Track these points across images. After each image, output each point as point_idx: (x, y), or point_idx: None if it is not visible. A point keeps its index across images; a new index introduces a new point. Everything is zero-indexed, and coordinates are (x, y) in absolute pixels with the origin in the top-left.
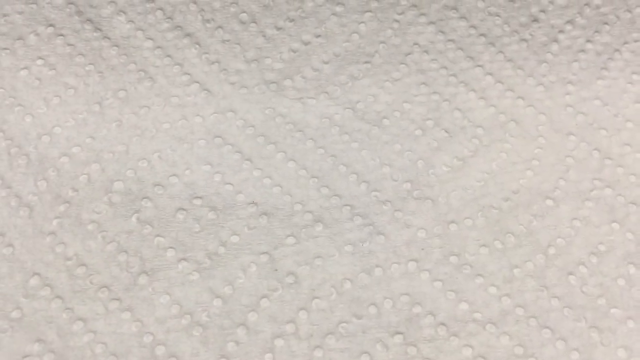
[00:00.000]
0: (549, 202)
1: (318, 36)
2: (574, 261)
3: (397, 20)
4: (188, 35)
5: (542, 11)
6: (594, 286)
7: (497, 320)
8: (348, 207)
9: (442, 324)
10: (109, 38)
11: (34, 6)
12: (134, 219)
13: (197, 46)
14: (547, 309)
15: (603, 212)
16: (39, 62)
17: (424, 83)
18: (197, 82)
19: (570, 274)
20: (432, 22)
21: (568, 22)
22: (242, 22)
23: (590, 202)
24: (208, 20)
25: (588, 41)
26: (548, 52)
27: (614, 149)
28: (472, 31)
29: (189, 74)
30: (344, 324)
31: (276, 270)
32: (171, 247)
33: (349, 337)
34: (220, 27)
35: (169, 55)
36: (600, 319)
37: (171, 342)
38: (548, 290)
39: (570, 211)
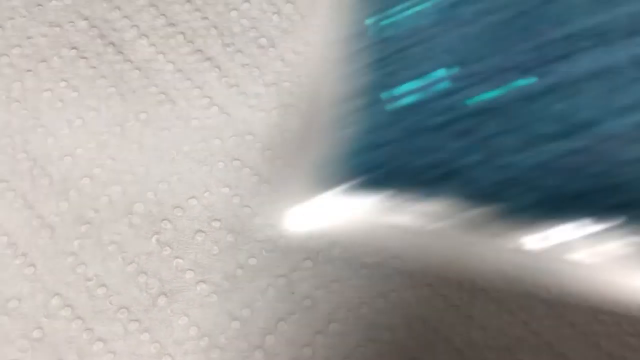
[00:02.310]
0: None
1: None
2: None
3: None
4: (208, 59)
5: None
6: None
7: (512, 346)
8: None
9: (458, 350)
10: (130, 61)
11: (57, 29)
12: (153, 240)
13: (217, 70)
14: (563, 337)
15: None
16: (62, 84)
17: None
18: (217, 105)
19: None
20: None
21: None
22: (261, 47)
23: None
24: (228, 45)
25: None
26: None
27: None
28: None
29: (209, 97)
30: (360, 348)
31: (293, 293)
32: (190, 269)
33: None
34: (239, 51)
35: (189, 79)
36: None
37: None
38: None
39: None
